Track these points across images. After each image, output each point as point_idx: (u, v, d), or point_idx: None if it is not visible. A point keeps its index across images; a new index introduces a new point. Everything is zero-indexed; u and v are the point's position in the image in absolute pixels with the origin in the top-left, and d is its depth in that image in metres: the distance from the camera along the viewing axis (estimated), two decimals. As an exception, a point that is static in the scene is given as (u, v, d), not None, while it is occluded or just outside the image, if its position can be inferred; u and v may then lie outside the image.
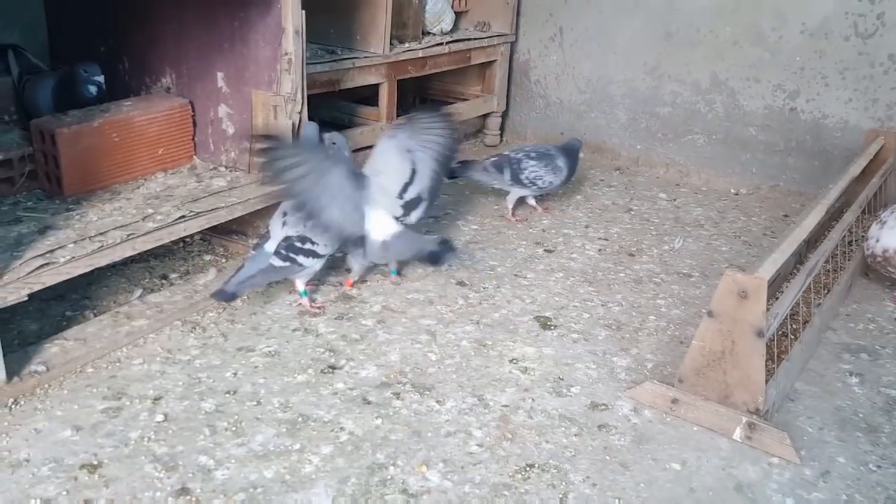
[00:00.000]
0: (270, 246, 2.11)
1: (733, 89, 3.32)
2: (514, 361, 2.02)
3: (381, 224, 2.21)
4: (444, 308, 2.26)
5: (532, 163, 2.85)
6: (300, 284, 2.19)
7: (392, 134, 2.30)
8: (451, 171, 2.92)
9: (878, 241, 2.38)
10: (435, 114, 2.38)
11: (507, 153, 2.91)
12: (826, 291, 2.28)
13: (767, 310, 1.72)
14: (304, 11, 2.21)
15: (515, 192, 2.92)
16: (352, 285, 2.34)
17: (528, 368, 1.99)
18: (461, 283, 2.41)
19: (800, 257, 2.44)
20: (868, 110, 3.07)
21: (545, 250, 2.69)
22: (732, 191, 3.38)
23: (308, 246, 2.11)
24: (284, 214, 2.14)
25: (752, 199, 3.30)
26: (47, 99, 2.36)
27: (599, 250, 2.72)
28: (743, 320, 1.72)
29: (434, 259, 2.28)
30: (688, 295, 2.43)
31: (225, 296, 2.08)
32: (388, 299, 2.28)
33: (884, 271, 2.41)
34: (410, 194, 2.26)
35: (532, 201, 3.02)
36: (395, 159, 2.27)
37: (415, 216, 2.29)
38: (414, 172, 2.26)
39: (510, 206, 2.94)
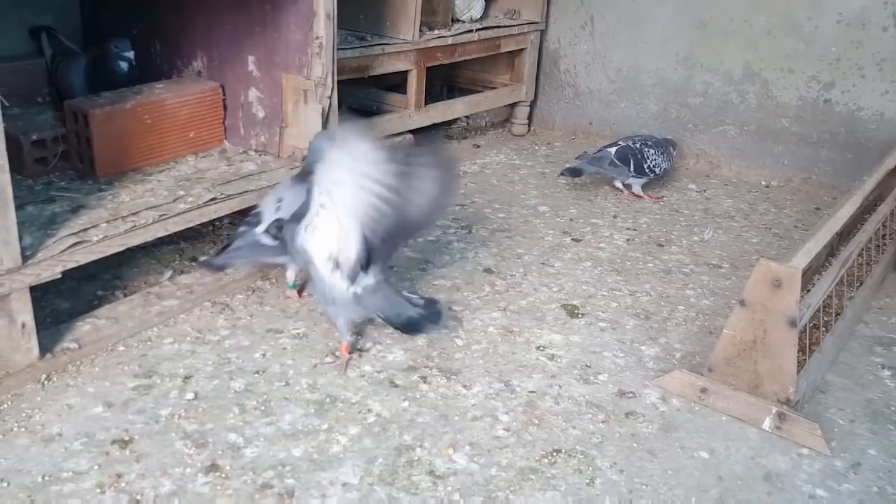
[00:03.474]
0: (261, 227, 2.04)
1: (766, 80, 3.27)
2: (542, 348, 2.02)
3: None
4: (471, 294, 2.26)
5: (652, 151, 3.00)
6: (291, 275, 2.13)
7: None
8: (577, 170, 3.01)
9: (913, 234, 2.34)
10: None
11: (623, 144, 3.02)
12: (859, 284, 2.25)
13: (800, 300, 1.70)
14: (335, -5, 2.21)
15: (636, 182, 3.05)
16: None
17: (556, 355, 1.99)
18: (488, 271, 2.40)
19: (832, 250, 2.40)
20: (905, 102, 3.01)
21: (573, 239, 2.68)
22: (763, 183, 3.34)
23: None
24: (279, 200, 2.04)
25: (783, 192, 3.25)
26: (80, 80, 2.38)
27: (628, 240, 2.70)
28: (776, 310, 1.70)
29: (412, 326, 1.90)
30: (717, 286, 2.40)
31: (212, 266, 2.07)
32: (415, 285, 2.28)
33: (918, 265, 2.37)
34: None
35: (638, 189, 3.07)
36: None
37: None
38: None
39: (638, 192, 3.07)
